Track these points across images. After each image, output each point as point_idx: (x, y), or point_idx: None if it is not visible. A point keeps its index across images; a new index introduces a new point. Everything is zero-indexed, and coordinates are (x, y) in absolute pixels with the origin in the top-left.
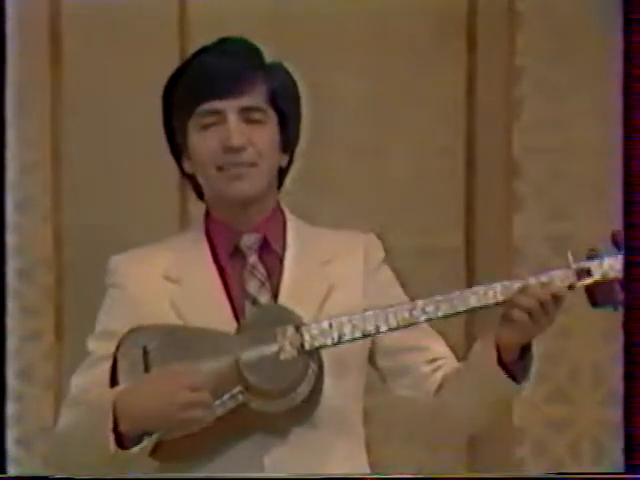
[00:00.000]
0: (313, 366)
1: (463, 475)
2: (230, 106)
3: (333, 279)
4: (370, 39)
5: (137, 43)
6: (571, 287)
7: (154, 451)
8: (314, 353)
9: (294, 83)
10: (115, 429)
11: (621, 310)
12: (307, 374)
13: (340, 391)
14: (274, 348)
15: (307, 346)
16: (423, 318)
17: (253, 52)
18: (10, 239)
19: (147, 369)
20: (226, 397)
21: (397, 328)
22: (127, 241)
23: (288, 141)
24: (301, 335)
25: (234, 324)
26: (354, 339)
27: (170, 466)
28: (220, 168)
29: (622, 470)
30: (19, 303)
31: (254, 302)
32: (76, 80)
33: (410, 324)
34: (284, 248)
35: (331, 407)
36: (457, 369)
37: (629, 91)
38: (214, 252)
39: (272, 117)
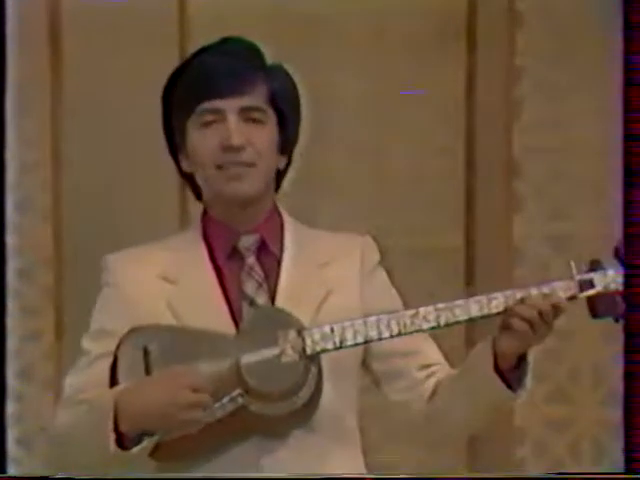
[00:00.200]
0: (313, 370)
1: (463, 475)
2: (230, 105)
3: (330, 282)
4: (370, 39)
5: (137, 43)
6: (573, 298)
7: (153, 451)
8: (315, 357)
9: (294, 85)
10: (115, 429)
11: (622, 321)
12: (308, 378)
13: (337, 394)
14: (275, 351)
15: (309, 350)
16: (425, 326)
17: (254, 52)
18: (10, 239)
19: (148, 370)
20: (226, 399)
21: (399, 334)
22: (127, 241)
23: (287, 143)
24: (303, 339)
25: (231, 325)
26: (356, 344)
27: (168, 466)
28: (219, 167)
29: (622, 470)
30: (19, 303)
31: (251, 303)
32: (76, 80)
33: (412, 331)
34: (282, 250)
35: (329, 410)
36: (451, 375)
37: (629, 91)
38: (211, 253)
39: (272, 118)
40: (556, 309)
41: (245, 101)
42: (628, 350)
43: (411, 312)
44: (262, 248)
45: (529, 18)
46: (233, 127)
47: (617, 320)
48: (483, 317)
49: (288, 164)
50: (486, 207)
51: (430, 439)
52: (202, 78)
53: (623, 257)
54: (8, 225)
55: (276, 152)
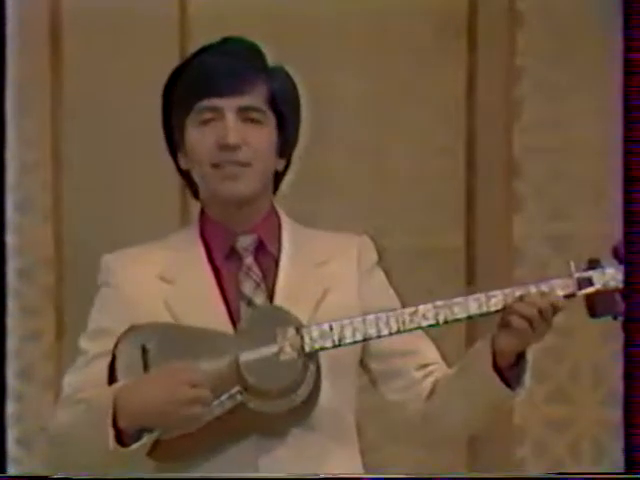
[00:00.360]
0: (312, 368)
1: (463, 475)
2: (229, 104)
3: (328, 280)
4: (370, 39)
5: (137, 43)
6: (572, 296)
7: (151, 451)
8: (313, 355)
9: (295, 87)
10: (114, 426)
11: (621, 319)
12: (306, 376)
13: (336, 392)
14: (274, 349)
15: (307, 348)
16: (424, 323)
17: (255, 53)
18: (10, 239)
19: (146, 368)
20: (224, 397)
21: (398, 332)
22: (127, 241)
23: (286, 145)
24: (301, 337)
25: (229, 325)
26: (355, 342)
27: (167, 466)
28: (215, 165)
29: (622, 470)
30: (19, 303)
31: (249, 303)
32: (76, 80)
33: (411, 329)
34: (279, 250)
35: (327, 409)
36: (449, 374)
37: (629, 91)
38: (209, 253)
39: (271, 119)
40: (555, 307)
41: (244, 101)
42: (628, 350)
43: (410, 310)
44: (260, 248)
45: (529, 18)
46: (230, 126)
47: (616, 318)
48: (482, 315)
49: (287, 166)
50: (486, 207)
51: (428, 439)
52: (202, 76)
53: (622, 256)
54: (8, 225)
55: (274, 154)
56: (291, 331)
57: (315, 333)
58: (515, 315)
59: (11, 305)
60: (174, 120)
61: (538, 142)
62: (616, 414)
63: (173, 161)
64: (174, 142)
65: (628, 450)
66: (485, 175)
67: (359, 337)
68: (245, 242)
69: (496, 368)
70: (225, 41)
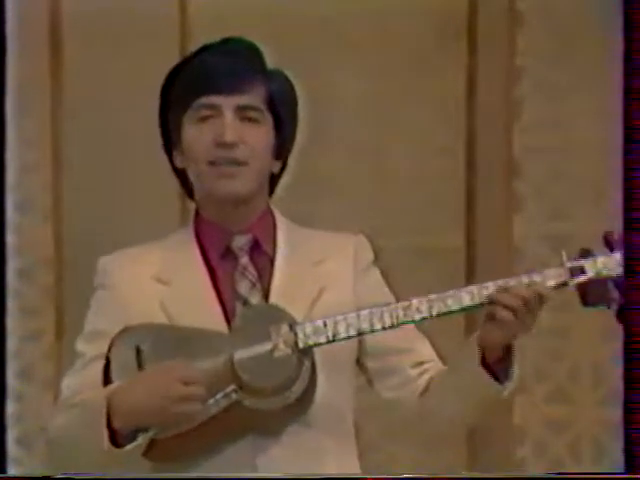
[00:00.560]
0: (307, 364)
1: (463, 475)
2: (227, 102)
3: (324, 280)
4: (370, 39)
5: (137, 44)
6: (564, 285)
7: (147, 451)
8: (308, 351)
9: (293, 90)
10: (109, 426)
11: (614, 308)
12: (301, 372)
13: (332, 389)
14: (268, 346)
15: (301, 344)
16: (417, 317)
17: (255, 54)
18: (10, 239)
19: (140, 368)
20: (219, 396)
21: (392, 327)
22: (127, 241)
23: (282, 147)
24: (295, 333)
25: (225, 326)
26: (349, 337)
27: (163, 466)
28: (212, 163)
29: (622, 470)
30: (19, 303)
31: (245, 303)
32: (76, 80)
33: (404, 322)
34: (275, 249)
35: (324, 405)
36: (442, 371)
37: (629, 91)
38: (204, 253)
39: (268, 119)
40: (541, 297)
41: (242, 99)
42: (628, 350)
43: (404, 304)
44: (255, 248)
45: (529, 18)
46: (228, 124)
47: (609, 307)
48: (475, 307)
49: (283, 169)
50: (486, 207)
51: (425, 436)
52: (202, 74)
53: (614, 244)
54: (8, 225)
55: (271, 155)
56: (285, 328)
57: (309, 329)
58: (499, 306)
59: (11, 305)
60: (171, 117)
61: (538, 142)
62: (616, 414)
63: (168, 159)
64: (170, 140)
65: (628, 450)
66: (485, 175)
67: (353, 332)
68: (240, 242)
69: (485, 363)
70: (225, 41)
